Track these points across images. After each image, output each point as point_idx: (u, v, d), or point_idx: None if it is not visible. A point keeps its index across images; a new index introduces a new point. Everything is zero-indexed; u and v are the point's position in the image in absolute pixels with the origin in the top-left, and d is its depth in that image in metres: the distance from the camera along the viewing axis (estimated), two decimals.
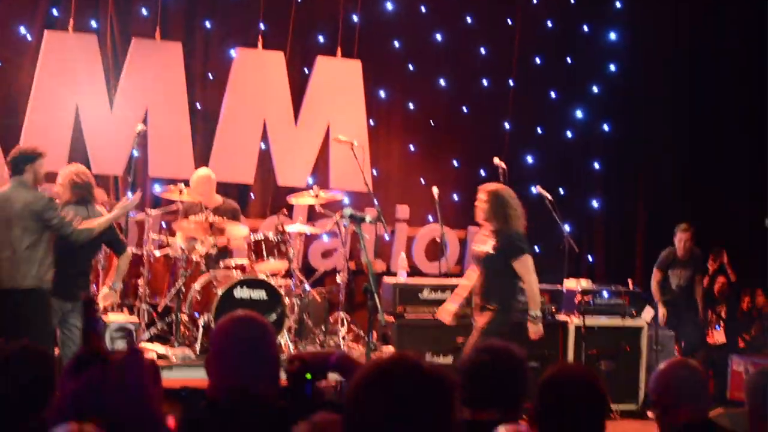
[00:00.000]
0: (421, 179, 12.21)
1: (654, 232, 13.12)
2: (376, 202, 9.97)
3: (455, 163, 12.69)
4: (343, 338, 9.83)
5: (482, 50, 12.86)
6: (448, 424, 2.44)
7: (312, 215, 11.30)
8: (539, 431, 3.71)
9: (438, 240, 11.22)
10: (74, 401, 2.86)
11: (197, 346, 8.94)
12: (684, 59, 13.22)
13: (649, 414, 8.81)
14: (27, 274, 7.66)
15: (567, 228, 10.66)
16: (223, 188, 10.55)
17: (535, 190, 10.45)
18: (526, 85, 12.94)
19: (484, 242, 8.21)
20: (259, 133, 11.58)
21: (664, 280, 11.07)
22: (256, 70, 11.62)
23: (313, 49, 12.03)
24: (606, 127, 13.44)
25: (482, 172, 12.10)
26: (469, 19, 12.77)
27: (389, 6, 12.34)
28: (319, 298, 10.15)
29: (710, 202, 12.74)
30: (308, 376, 3.57)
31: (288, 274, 9.84)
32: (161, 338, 9.40)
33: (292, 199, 10.40)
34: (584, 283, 10.76)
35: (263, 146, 11.65)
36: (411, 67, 12.52)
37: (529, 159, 12.99)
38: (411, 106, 12.57)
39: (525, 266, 8.11)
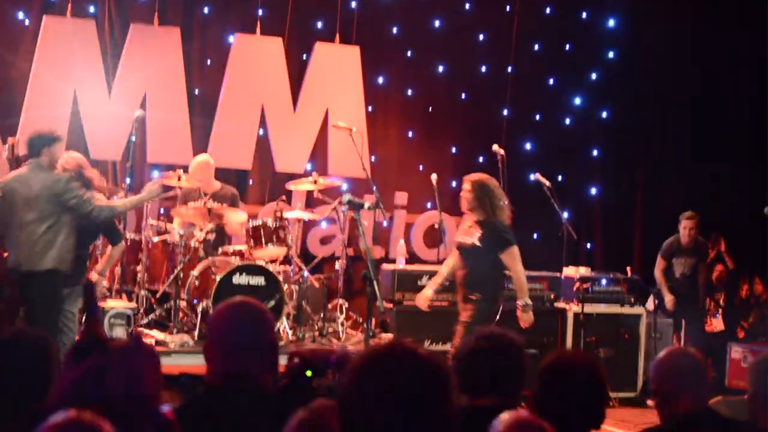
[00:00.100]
0: (420, 166, 12.20)
1: (653, 219, 13.12)
2: (374, 189, 9.96)
3: (453, 149, 12.68)
4: (342, 325, 9.83)
5: (481, 36, 12.83)
6: (444, 411, 2.43)
7: (310, 201, 11.30)
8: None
9: (436, 227, 11.20)
10: (74, 389, 2.86)
11: (196, 333, 8.95)
12: (683, 45, 13.18)
13: (649, 402, 8.82)
14: (45, 257, 7.67)
15: (565, 215, 10.64)
16: (221, 174, 10.54)
17: (534, 177, 10.44)
18: (525, 72, 12.91)
19: (469, 233, 8.14)
20: (257, 119, 11.56)
21: (667, 268, 11.01)
22: (255, 56, 11.60)
23: (312, 35, 12.00)
24: (605, 114, 13.43)
25: (481, 159, 12.08)
26: (467, 5, 12.74)
27: None
28: (318, 285, 10.15)
29: (709, 190, 12.72)
30: (308, 373, 3.56)
31: (286, 260, 9.84)
32: (160, 324, 9.41)
33: (291, 186, 10.39)
34: (583, 271, 10.77)
35: (261, 132, 11.63)
36: (409, 54, 12.50)
37: (528, 146, 12.97)
38: (409, 92, 12.55)
39: (512, 257, 8.09)
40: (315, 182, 10.03)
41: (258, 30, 11.61)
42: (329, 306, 10.08)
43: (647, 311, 10.64)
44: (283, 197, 10.43)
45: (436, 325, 9.67)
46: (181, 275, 9.25)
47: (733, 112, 13.24)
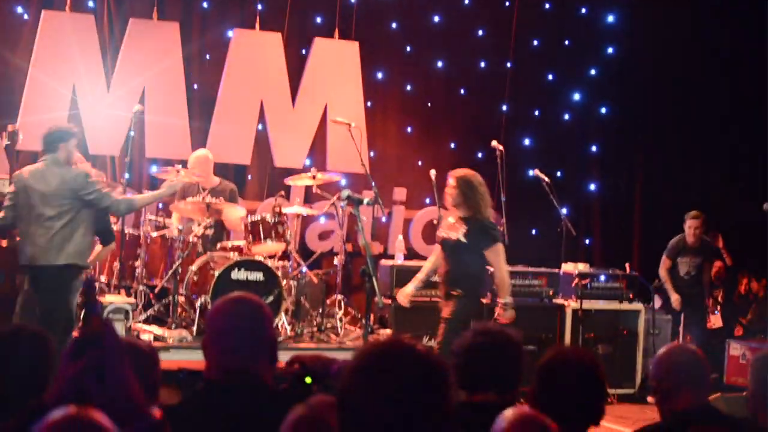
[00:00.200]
0: (419, 162, 12.20)
1: (652, 215, 13.12)
2: (373, 184, 9.95)
3: (452, 145, 12.67)
4: (340, 320, 9.83)
5: (480, 32, 12.83)
6: (443, 407, 2.43)
7: (309, 197, 11.29)
8: None
9: (435, 222, 11.17)
10: (74, 384, 2.85)
11: (194, 328, 8.94)
12: (682, 42, 13.17)
13: (649, 399, 8.82)
14: (62, 252, 7.68)
15: (564, 211, 10.65)
16: (220, 169, 10.53)
17: (533, 173, 10.43)
18: (524, 68, 12.91)
19: (453, 228, 8.08)
20: (256, 114, 11.56)
21: (672, 267, 10.96)
22: (254, 51, 11.59)
23: (311, 30, 12.00)
24: (604, 110, 13.42)
25: (480, 155, 12.09)
26: (466, 1, 12.75)
27: None
28: (316, 280, 10.14)
29: (708, 185, 12.72)
30: (308, 379, 3.55)
31: (285, 255, 9.83)
32: (158, 320, 9.40)
33: (290, 181, 10.38)
34: (582, 267, 10.75)
35: (260, 127, 11.63)
36: (408, 49, 12.50)
37: (527, 141, 12.97)
38: (408, 87, 12.55)
39: (497, 255, 8.02)
40: (314, 177, 10.02)
41: (257, 25, 11.61)
42: (328, 301, 10.07)
43: (646, 307, 10.61)
44: (282, 192, 10.42)
45: (435, 321, 9.64)
46: (180, 270, 9.25)
47: (732, 107, 13.22)
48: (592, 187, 13.42)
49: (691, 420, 4.13)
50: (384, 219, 11.57)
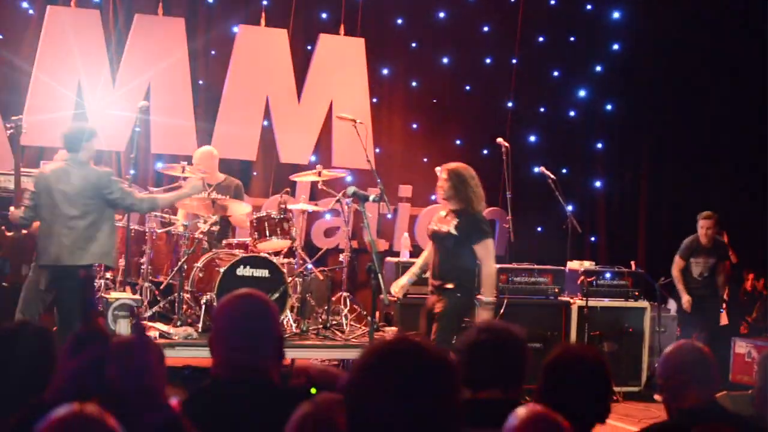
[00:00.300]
0: (424, 158, 12.19)
1: (657, 212, 13.11)
2: (379, 181, 9.93)
3: (458, 142, 12.67)
4: (346, 317, 9.81)
5: (485, 28, 12.83)
6: (449, 404, 2.43)
7: (315, 193, 11.28)
8: None
9: None
10: (75, 380, 2.84)
11: (199, 325, 8.91)
12: (687, 38, 13.15)
13: (656, 397, 8.79)
14: (87, 251, 7.71)
15: (570, 208, 10.63)
16: (225, 165, 10.51)
17: (538, 169, 10.42)
18: (529, 64, 12.90)
19: (445, 221, 8.03)
20: (261, 110, 11.55)
21: (684, 268, 10.86)
22: (259, 47, 11.59)
23: (316, 26, 12.01)
24: (609, 107, 13.41)
25: (485, 152, 12.09)
26: None
27: None
28: (322, 277, 10.11)
29: (713, 182, 12.71)
30: (313, 390, 3.55)
31: (291, 252, 9.82)
32: (163, 317, 9.38)
33: (295, 177, 10.37)
34: (587, 264, 10.75)
35: (266, 123, 11.62)
36: (414, 45, 12.50)
37: (532, 138, 12.97)
38: (414, 84, 12.55)
39: (486, 250, 7.90)
40: (319, 174, 9.99)
41: (262, 21, 11.60)
42: (333, 298, 10.04)
43: (651, 305, 10.58)
44: (288, 189, 10.39)
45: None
46: (185, 267, 9.23)
47: (737, 104, 13.20)
48: (598, 184, 13.41)
49: (698, 418, 4.11)
50: (389, 216, 11.57)
